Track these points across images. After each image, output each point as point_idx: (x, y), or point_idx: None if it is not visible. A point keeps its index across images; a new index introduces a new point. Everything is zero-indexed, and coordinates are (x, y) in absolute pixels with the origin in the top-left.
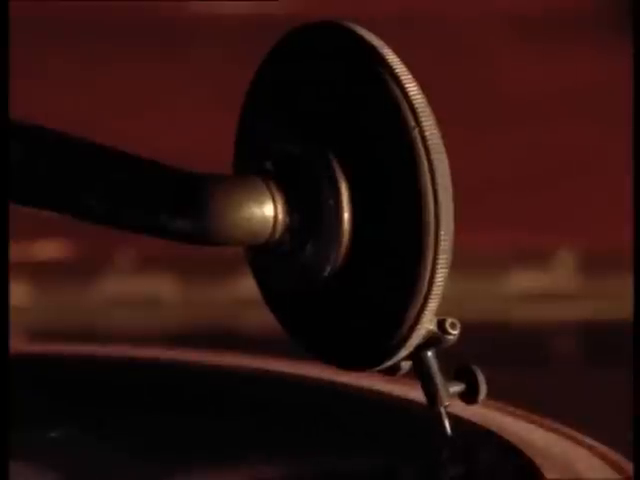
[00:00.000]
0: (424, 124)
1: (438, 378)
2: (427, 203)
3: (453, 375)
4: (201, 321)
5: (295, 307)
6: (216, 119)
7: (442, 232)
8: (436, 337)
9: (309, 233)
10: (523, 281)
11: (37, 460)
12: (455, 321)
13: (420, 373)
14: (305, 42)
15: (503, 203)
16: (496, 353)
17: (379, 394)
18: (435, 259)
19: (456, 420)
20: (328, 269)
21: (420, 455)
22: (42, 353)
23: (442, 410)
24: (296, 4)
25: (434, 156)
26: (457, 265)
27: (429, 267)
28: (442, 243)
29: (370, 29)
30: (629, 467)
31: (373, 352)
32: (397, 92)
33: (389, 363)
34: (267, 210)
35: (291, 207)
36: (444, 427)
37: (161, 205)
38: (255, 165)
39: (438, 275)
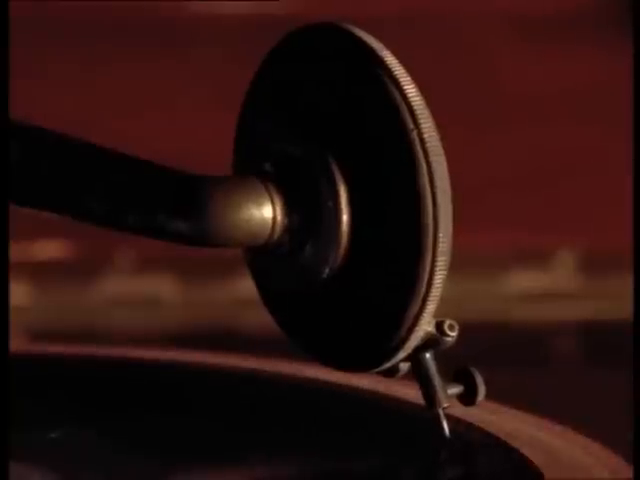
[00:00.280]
0: (423, 126)
1: (436, 380)
2: (425, 205)
3: (452, 377)
4: (201, 321)
5: (294, 308)
6: (216, 119)
7: (441, 234)
8: (434, 339)
9: (308, 234)
10: (523, 281)
11: (37, 460)
12: (453, 323)
13: (418, 375)
14: (305, 43)
15: (503, 203)
16: (496, 353)
17: (378, 395)
18: (434, 261)
19: (454, 421)
20: (327, 270)
21: (418, 456)
22: (42, 353)
23: (440, 412)
24: (296, 4)
25: (433, 158)
26: (457, 265)
27: (428, 269)
28: (441, 245)
29: (370, 29)
30: (629, 467)
31: (372, 353)
32: (396, 94)
33: (388, 365)
34: (266, 211)
35: (290, 208)
36: (442, 428)
37: (160, 207)
38: (254, 166)
39: (437, 277)
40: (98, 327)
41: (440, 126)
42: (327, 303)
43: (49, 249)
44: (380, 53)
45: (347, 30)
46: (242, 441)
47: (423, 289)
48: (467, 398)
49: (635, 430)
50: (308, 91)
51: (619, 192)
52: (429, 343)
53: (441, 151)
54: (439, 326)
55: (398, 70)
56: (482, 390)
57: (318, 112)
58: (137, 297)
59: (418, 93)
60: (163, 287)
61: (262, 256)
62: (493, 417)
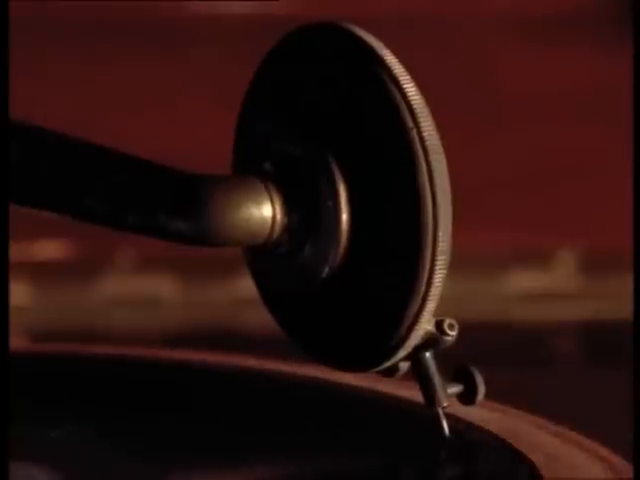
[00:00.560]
0: (422, 125)
1: (436, 379)
2: (425, 204)
3: (452, 376)
4: (201, 321)
5: (293, 308)
6: (216, 119)
7: (440, 233)
8: (434, 338)
9: (307, 234)
10: (523, 281)
11: (37, 460)
12: (453, 322)
13: (418, 374)
14: (305, 43)
15: (503, 203)
16: (496, 353)
17: (377, 395)
18: (433, 260)
19: (454, 420)
20: (326, 270)
21: (418, 456)
22: (42, 353)
23: (440, 411)
24: (296, 4)
25: (432, 157)
26: (457, 265)
27: (427, 268)
28: (440, 244)
29: (370, 29)
30: (629, 467)
31: (371, 353)
32: (396, 93)
33: (387, 364)
34: (265, 211)
35: (289, 208)
36: (442, 428)
37: (160, 206)
38: (254, 165)
39: (436, 276)
40: (98, 327)
41: (440, 126)
42: (327, 302)
43: (49, 249)
44: (380, 52)
45: (347, 30)
46: (242, 441)
47: (423, 288)
48: (467, 397)
49: (635, 430)
50: (308, 91)
51: (619, 192)
52: (429, 342)
53: (441, 150)
54: (439, 325)
55: (398, 69)
56: (482, 389)
57: (318, 111)
58: (137, 297)
59: (418, 92)
60: (163, 287)
61: (262, 256)
62: (493, 417)
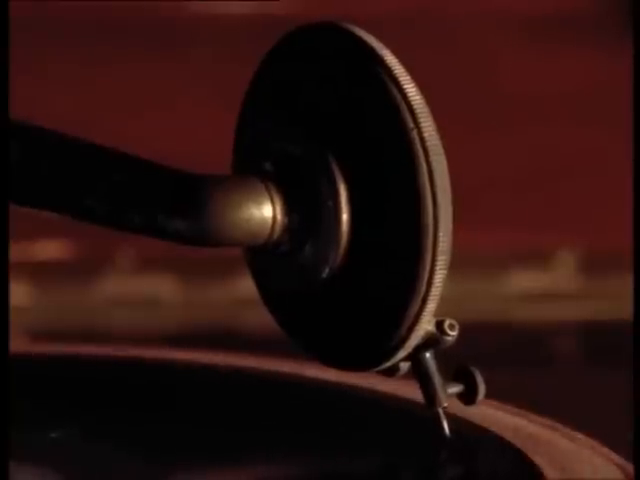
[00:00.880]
0: (423, 125)
1: (436, 379)
2: (425, 205)
3: (452, 376)
4: (201, 321)
5: (294, 308)
6: (216, 119)
7: (441, 233)
8: (435, 338)
9: (308, 234)
10: (523, 281)
11: (37, 460)
12: (453, 322)
13: (419, 374)
14: (305, 43)
15: (503, 203)
16: (496, 353)
17: (378, 394)
18: (434, 260)
19: (455, 420)
20: (327, 270)
21: (418, 456)
22: (42, 353)
23: (440, 411)
24: (296, 4)
25: (433, 157)
26: (457, 265)
27: (428, 268)
28: (441, 244)
29: (370, 28)
30: (629, 467)
31: (372, 353)
32: (396, 93)
33: (388, 364)
34: (266, 211)
35: (290, 208)
36: (442, 428)
37: (160, 206)
38: (254, 165)
39: (437, 276)
40: (98, 327)
41: (440, 126)
42: (327, 302)
43: (49, 249)
44: (380, 52)
45: (347, 29)
46: (242, 441)
47: (423, 288)
48: (467, 397)
49: (635, 430)
50: (308, 90)
51: (619, 192)
52: (429, 342)
53: (441, 150)
54: (439, 325)
55: (398, 69)
56: (482, 389)
57: (318, 111)
58: (137, 297)
59: (418, 92)
60: (163, 287)
61: (262, 256)
62: (493, 416)
